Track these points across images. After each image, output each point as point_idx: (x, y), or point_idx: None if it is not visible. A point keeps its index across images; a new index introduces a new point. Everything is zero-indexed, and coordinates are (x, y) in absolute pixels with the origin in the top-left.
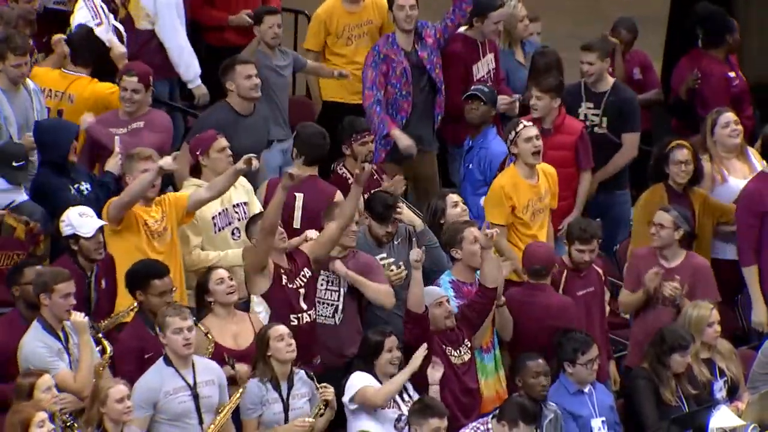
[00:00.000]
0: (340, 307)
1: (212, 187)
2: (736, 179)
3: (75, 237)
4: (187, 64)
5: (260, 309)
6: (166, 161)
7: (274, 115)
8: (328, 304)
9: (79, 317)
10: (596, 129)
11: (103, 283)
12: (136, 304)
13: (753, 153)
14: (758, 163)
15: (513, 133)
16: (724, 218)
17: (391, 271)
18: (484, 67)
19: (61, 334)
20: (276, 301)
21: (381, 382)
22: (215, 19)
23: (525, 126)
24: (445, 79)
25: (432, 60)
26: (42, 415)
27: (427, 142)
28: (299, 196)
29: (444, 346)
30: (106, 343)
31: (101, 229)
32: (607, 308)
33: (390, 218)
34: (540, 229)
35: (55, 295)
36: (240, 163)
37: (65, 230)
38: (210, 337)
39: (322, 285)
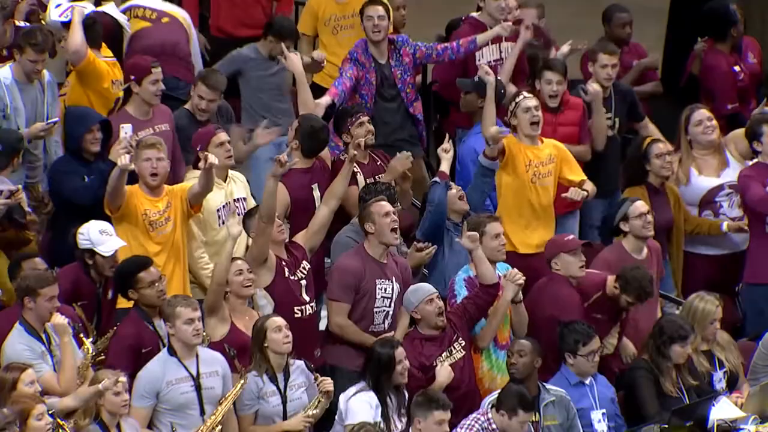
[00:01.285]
0: (391, 313)
1: (198, 184)
2: (708, 177)
3: (91, 251)
4: None
5: (264, 302)
6: (122, 161)
7: (268, 109)
8: (381, 312)
9: (60, 319)
10: (608, 132)
11: (110, 294)
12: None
13: (730, 149)
14: (732, 160)
15: (513, 103)
16: (686, 225)
17: (420, 250)
18: (493, 53)
19: (43, 336)
20: (280, 293)
21: (386, 400)
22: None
23: (525, 97)
24: (444, 63)
25: (404, 79)
26: (41, 408)
27: (409, 149)
28: (315, 186)
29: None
30: (88, 343)
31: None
32: None
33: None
34: (544, 192)
35: (39, 298)
36: (201, 163)
37: (82, 243)
38: (206, 337)
39: (378, 294)
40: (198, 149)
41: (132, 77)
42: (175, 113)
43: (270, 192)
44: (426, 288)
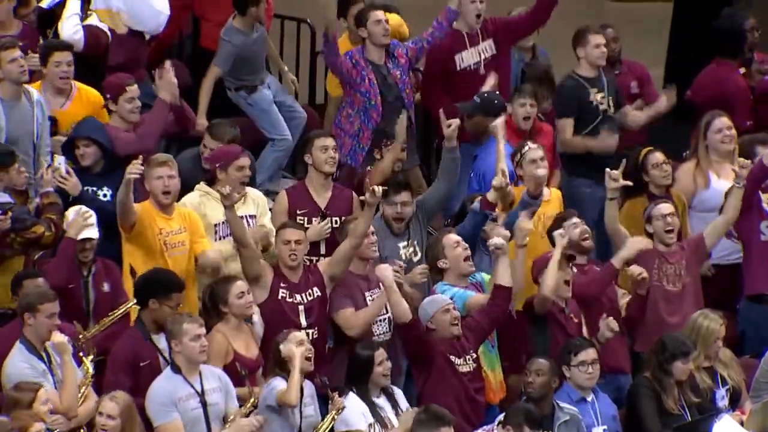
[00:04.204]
0: (390, 317)
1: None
2: (727, 182)
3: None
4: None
5: (256, 318)
6: (130, 170)
7: (254, 67)
8: (382, 320)
9: (60, 337)
10: (607, 113)
11: (106, 286)
12: (131, 305)
13: None
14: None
15: (518, 155)
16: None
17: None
18: (472, 56)
19: (44, 355)
20: (269, 314)
21: (372, 402)
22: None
23: (530, 148)
24: (424, 70)
25: (404, 80)
26: (39, 426)
27: (407, 158)
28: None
29: (448, 355)
30: (88, 363)
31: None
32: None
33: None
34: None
35: (39, 315)
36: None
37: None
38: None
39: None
40: (217, 166)
41: (108, 96)
42: (182, 155)
43: (230, 220)
44: (441, 298)
